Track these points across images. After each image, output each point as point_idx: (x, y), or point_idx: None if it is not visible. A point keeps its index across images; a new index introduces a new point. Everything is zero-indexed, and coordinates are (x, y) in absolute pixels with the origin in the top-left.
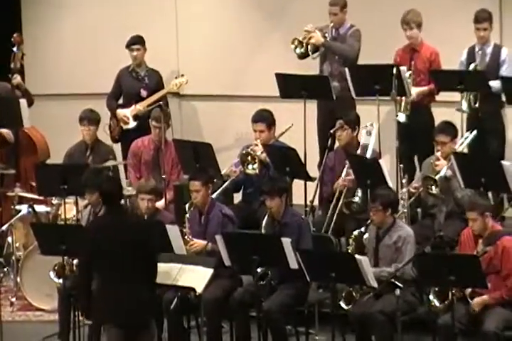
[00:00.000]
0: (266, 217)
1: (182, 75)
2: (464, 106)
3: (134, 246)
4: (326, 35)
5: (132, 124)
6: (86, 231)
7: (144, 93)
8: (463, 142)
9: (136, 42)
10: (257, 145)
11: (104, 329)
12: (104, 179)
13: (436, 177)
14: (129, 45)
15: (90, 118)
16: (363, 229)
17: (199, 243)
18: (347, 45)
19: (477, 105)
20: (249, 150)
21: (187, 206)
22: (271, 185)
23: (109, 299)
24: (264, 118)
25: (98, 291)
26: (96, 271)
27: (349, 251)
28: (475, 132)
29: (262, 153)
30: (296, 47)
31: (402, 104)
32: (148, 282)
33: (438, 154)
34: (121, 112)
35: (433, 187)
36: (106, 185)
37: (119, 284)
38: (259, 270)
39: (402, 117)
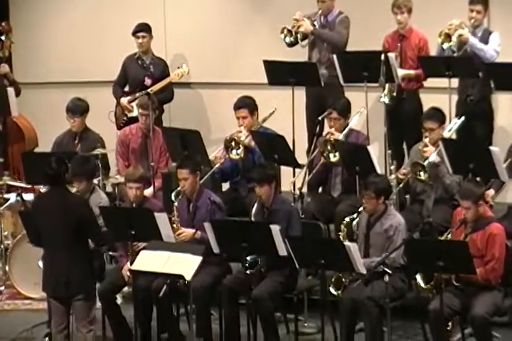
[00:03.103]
0: (256, 205)
1: (184, 65)
2: (385, 98)
3: (68, 223)
4: (315, 22)
5: (136, 112)
6: (32, 208)
7: (148, 81)
8: (451, 128)
9: (143, 29)
10: (240, 131)
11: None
12: (53, 161)
13: (425, 163)
14: (135, 33)
15: (74, 110)
16: (354, 216)
17: (187, 231)
18: (336, 32)
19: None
20: (232, 135)
21: (173, 195)
22: (260, 172)
23: (46, 270)
24: (247, 105)
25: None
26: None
27: (340, 236)
28: (463, 118)
29: (246, 138)
30: (285, 36)
31: (386, 87)
32: (83, 254)
33: (426, 140)
34: (124, 100)
35: (421, 173)
36: (55, 166)
37: (54, 257)
38: (249, 258)
39: (385, 98)
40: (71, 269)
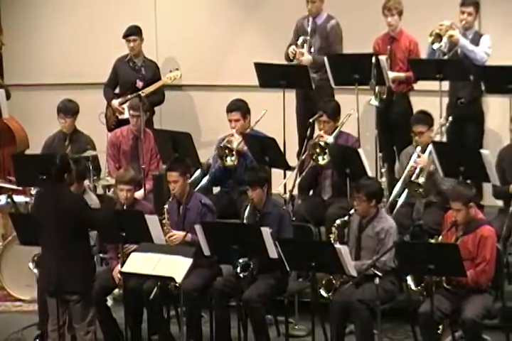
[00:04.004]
0: (248, 207)
1: (177, 69)
2: (375, 101)
3: (64, 219)
4: (308, 28)
5: (127, 114)
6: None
7: (139, 84)
8: (439, 129)
9: (133, 32)
10: (232, 135)
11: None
12: (58, 158)
13: (420, 182)
14: (125, 36)
15: (66, 110)
16: (346, 218)
17: (178, 234)
18: (332, 51)
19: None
20: (225, 142)
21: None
22: (252, 176)
23: (43, 267)
24: (239, 108)
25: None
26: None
27: (331, 239)
28: (450, 118)
29: (238, 144)
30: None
31: (376, 89)
32: (79, 254)
33: (418, 149)
34: (115, 102)
35: (420, 190)
36: (58, 163)
37: (50, 254)
38: (241, 261)
39: (375, 101)
40: (68, 266)
